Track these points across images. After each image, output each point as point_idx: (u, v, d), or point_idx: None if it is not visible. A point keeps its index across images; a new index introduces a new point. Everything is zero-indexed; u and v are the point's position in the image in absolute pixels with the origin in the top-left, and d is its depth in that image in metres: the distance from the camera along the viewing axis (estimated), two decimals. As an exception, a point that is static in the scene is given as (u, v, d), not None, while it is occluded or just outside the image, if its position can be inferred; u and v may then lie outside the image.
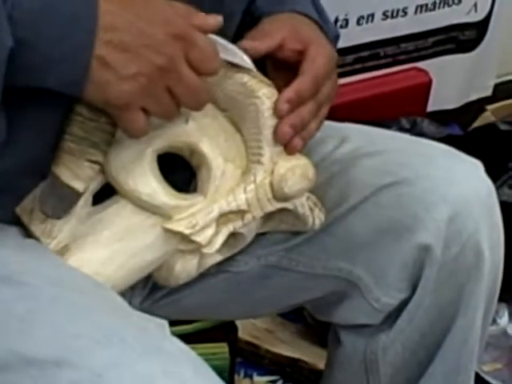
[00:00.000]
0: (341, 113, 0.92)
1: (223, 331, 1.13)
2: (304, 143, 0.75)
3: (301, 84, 0.74)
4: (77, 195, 0.71)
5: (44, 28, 0.61)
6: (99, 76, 0.63)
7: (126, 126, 0.67)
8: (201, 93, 0.67)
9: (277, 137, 0.74)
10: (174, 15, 0.66)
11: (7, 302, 0.65)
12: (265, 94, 0.73)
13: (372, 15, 1.44)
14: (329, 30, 0.83)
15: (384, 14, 1.46)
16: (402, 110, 1.50)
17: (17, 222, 0.74)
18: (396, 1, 1.45)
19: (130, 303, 0.83)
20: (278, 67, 0.78)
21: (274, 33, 0.77)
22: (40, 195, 0.71)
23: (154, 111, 0.66)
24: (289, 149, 0.74)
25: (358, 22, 1.42)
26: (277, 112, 0.73)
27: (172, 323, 0.70)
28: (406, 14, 1.48)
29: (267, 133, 0.73)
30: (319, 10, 0.85)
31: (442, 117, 1.61)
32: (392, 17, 1.47)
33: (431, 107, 1.59)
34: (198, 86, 0.66)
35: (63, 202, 0.71)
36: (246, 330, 1.19)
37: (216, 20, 0.68)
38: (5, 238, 0.72)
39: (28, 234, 0.74)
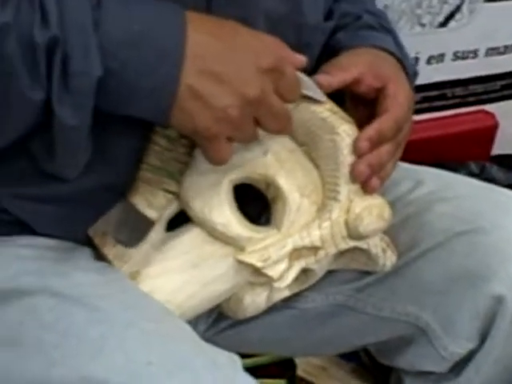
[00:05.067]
0: (404, 151, 0.90)
1: (282, 367, 1.11)
2: (382, 183, 0.74)
3: (383, 123, 0.73)
4: (150, 224, 0.71)
5: (132, 60, 0.61)
6: (189, 105, 0.62)
7: (212, 155, 0.66)
8: (286, 119, 0.67)
9: (353, 175, 0.73)
10: (263, 47, 0.66)
11: (80, 325, 0.64)
12: (345, 130, 0.72)
13: (442, 55, 1.44)
14: (408, 65, 0.82)
15: (455, 54, 1.45)
16: (467, 152, 1.48)
17: (88, 242, 0.74)
18: (467, 42, 1.44)
19: (194, 331, 0.83)
20: (355, 102, 0.77)
21: (349, 67, 0.76)
22: (115, 223, 0.71)
23: (238, 139, 0.66)
24: (367, 189, 0.73)
25: (429, 62, 1.41)
26: (356, 150, 0.72)
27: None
28: (476, 55, 1.46)
29: (345, 170, 0.72)
30: (399, 45, 0.84)
31: (505, 160, 1.59)
32: (462, 58, 1.45)
33: (495, 150, 1.57)
34: (284, 113, 0.67)
35: (137, 230, 0.72)
36: (301, 366, 1.18)
37: (302, 59, 0.68)
38: (77, 260, 0.73)
39: (99, 255, 0.74)
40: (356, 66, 0.77)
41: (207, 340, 0.83)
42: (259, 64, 0.64)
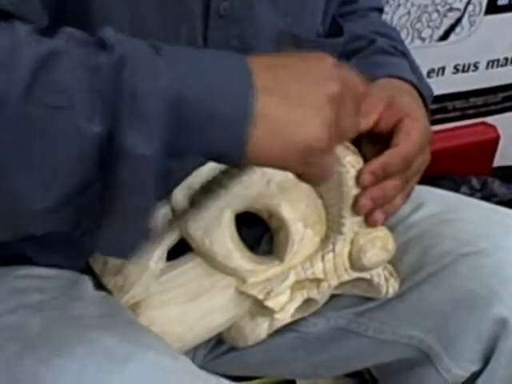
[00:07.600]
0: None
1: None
2: (386, 216, 0.73)
3: (390, 158, 0.72)
4: None
5: (202, 86, 0.56)
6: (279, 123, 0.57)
7: (324, 170, 0.61)
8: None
9: (356, 208, 0.72)
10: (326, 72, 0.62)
11: (80, 358, 0.64)
12: (350, 161, 0.71)
13: (443, 68, 1.43)
14: (424, 89, 0.81)
15: (455, 67, 1.44)
16: (469, 165, 1.48)
17: (89, 271, 0.74)
18: (468, 55, 1.44)
19: (195, 356, 0.82)
20: (371, 137, 0.76)
21: (370, 112, 0.74)
22: None
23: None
24: (369, 221, 0.72)
25: (429, 75, 1.41)
26: (359, 182, 0.71)
27: (233, 379, 0.69)
28: (477, 68, 1.46)
29: (350, 202, 0.71)
30: (414, 68, 0.83)
31: (506, 172, 1.58)
32: (463, 71, 1.45)
33: (497, 162, 1.57)
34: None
35: None
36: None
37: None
38: (77, 290, 0.72)
39: (100, 283, 0.73)
40: (375, 108, 0.75)
41: (208, 365, 0.83)
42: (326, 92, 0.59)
